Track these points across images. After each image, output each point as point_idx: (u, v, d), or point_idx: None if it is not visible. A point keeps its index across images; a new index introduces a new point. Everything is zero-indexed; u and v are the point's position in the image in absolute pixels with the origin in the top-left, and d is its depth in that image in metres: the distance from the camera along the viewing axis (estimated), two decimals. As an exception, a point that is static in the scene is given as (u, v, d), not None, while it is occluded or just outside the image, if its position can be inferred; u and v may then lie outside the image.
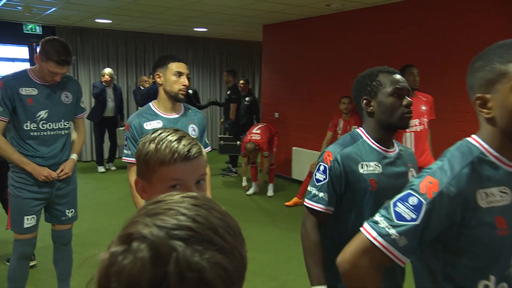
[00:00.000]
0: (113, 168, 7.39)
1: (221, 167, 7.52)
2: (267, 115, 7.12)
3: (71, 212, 2.74)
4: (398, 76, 1.51)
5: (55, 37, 2.45)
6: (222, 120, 7.61)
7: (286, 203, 5.57)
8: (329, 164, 1.47)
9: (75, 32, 7.92)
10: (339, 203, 1.52)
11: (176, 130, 1.01)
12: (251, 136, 5.66)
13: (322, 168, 1.49)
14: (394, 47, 5.15)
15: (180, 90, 2.16)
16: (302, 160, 6.40)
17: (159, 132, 1.00)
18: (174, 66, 2.17)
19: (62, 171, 2.59)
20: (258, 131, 5.70)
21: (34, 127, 2.48)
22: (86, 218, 4.80)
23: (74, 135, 2.75)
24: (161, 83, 2.19)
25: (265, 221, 4.97)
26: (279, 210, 5.41)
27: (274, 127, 6.03)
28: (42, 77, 2.46)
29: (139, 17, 6.50)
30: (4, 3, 5.61)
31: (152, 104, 2.22)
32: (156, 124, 2.12)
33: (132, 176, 2.02)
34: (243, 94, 6.90)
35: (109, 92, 7.02)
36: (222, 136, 6.88)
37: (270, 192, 5.95)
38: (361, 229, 1.06)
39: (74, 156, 2.69)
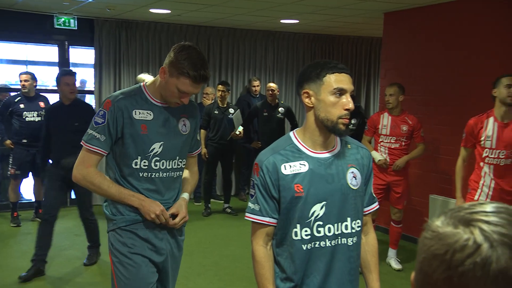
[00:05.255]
0: None
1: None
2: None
3: None
4: None
5: (190, 44, 2.20)
6: None
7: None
8: None
9: (119, 26, 7.11)
10: None
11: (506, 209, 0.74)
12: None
13: None
14: None
15: (340, 117, 1.77)
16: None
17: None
18: (334, 80, 1.78)
19: (175, 216, 2.30)
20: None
21: (145, 166, 2.23)
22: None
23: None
24: (310, 105, 1.82)
25: None
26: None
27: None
28: (162, 97, 2.24)
29: (209, 5, 5.84)
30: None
31: (294, 135, 1.88)
32: (299, 167, 1.80)
33: (258, 243, 1.84)
34: None
35: None
36: None
37: (394, 263, 4.91)
38: None
39: (186, 196, 2.41)
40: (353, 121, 6.10)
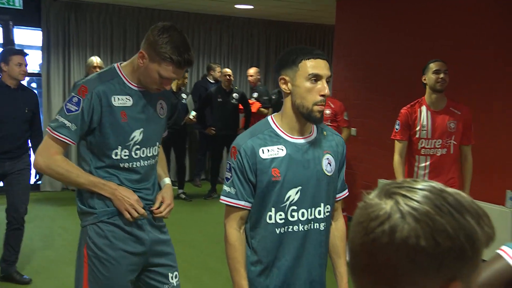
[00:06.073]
0: None
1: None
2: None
3: (176, 277, 2.32)
4: None
5: (170, 24, 2.06)
6: None
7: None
8: None
9: (68, 7, 6.86)
10: None
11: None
12: None
13: None
14: None
15: (316, 103, 1.78)
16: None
17: (458, 197, 0.77)
18: (309, 66, 1.78)
19: (159, 207, 2.24)
20: None
21: (125, 156, 2.11)
22: None
23: None
24: (287, 91, 1.83)
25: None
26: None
27: None
28: (140, 82, 2.10)
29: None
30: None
31: (272, 120, 1.89)
32: (277, 151, 1.82)
33: (231, 226, 1.86)
34: None
35: None
36: None
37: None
38: (500, 251, 1.14)
39: (168, 180, 2.38)
40: None
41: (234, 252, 1.83)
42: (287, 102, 1.85)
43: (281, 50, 8.40)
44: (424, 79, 3.51)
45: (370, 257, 0.74)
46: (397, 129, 3.59)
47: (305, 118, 1.81)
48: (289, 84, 1.81)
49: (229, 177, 1.85)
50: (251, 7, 6.81)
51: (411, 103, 3.60)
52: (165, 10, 7.31)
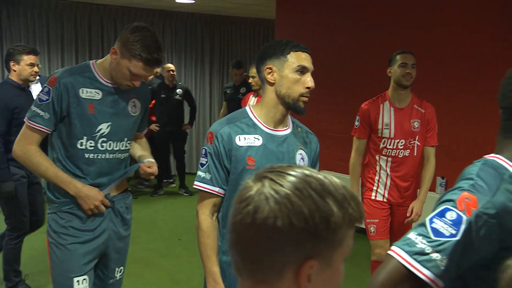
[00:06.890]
0: None
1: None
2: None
3: (120, 271, 2.45)
4: None
5: (144, 25, 2.15)
6: None
7: None
8: None
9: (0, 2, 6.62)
10: None
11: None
12: None
13: None
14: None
15: (302, 95, 1.84)
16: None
17: (324, 181, 0.80)
18: (297, 58, 1.84)
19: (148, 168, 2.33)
20: None
21: (91, 146, 2.21)
22: None
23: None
24: (272, 81, 1.86)
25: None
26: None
27: None
28: (111, 78, 2.20)
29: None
30: None
31: (250, 110, 1.94)
32: (253, 140, 1.87)
33: (204, 212, 1.88)
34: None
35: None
36: None
37: None
38: (391, 252, 1.14)
39: (152, 159, 2.42)
40: (242, 91, 6.26)
41: (206, 239, 1.84)
42: (270, 92, 1.87)
43: (225, 44, 8.41)
44: (389, 72, 3.18)
45: (237, 236, 0.78)
46: (356, 125, 3.28)
47: (289, 108, 1.85)
48: (275, 74, 1.84)
49: (204, 162, 1.87)
50: (192, 1, 6.75)
51: (373, 98, 3.28)
52: (105, 5, 7.14)
